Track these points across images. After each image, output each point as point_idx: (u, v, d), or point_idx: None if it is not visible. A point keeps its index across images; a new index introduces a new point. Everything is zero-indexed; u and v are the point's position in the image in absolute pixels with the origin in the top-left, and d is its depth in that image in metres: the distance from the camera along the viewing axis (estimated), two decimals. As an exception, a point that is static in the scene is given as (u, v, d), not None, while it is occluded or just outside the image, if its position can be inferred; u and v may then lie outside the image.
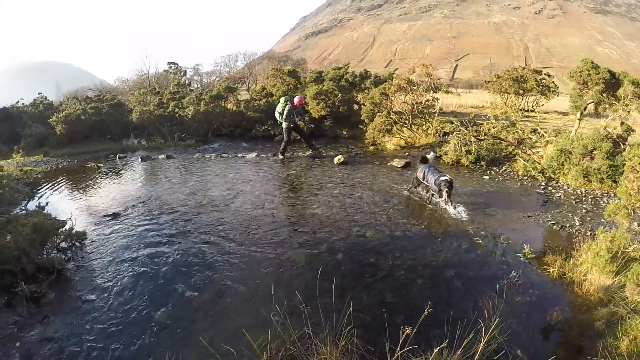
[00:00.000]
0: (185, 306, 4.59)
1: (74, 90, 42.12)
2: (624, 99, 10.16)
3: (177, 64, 30.79)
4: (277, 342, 3.65)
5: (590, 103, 11.32)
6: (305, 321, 3.59)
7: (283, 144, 12.21)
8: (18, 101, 20.65)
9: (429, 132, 13.19)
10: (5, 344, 4.04)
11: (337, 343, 3.37)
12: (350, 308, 3.65)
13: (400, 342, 3.05)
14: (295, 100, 11.83)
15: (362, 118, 14.46)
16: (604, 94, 10.71)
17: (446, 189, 6.95)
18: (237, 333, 3.91)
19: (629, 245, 4.89)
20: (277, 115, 12.08)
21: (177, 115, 17.81)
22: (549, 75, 17.72)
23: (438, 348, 3.09)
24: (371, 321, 4.21)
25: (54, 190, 9.93)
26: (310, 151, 12.37)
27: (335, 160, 11.18)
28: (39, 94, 21.97)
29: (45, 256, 5.65)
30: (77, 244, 6.21)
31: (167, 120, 17.71)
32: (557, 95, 17.74)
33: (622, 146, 8.73)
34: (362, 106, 14.88)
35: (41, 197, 9.25)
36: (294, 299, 4.31)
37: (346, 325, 3.46)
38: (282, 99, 12.10)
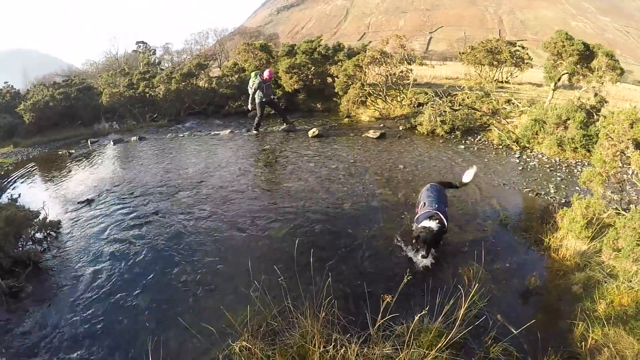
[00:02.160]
0: (164, 288, 4.51)
1: (42, 77, 40.58)
2: (597, 70, 10.22)
3: (146, 43, 29.72)
4: (257, 317, 3.57)
5: (564, 74, 11.35)
6: (285, 295, 3.52)
7: (257, 119, 11.97)
8: (-17, 92, 19.75)
9: (403, 103, 13.09)
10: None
11: (318, 315, 3.30)
12: (330, 280, 3.58)
13: (381, 310, 2.99)
14: (265, 73, 11.56)
15: (336, 90, 14.25)
16: (578, 66, 10.74)
17: (424, 244, 4.41)
18: (218, 312, 3.84)
19: (604, 212, 4.93)
20: (250, 92, 11.81)
21: (148, 95, 17.23)
22: (523, 47, 17.78)
23: (419, 315, 3.05)
24: (351, 292, 4.19)
25: (26, 181, 9.68)
26: (285, 125, 12.16)
27: (310, 133, 11.02)
28: (5, 83, 21.04)
29: (20, 249, 5.50)
30: (52, 233, 6.06)
31: (138, 101, 17.17)
32: (531, 67, 17.80)
33: (595, 117, 8.82)
34: (335, 79, 14.65)
35: (13, 189, 9.01)
36: (272, 274, 4.22)
37: (326, 297, 3.39)
38: (252, 74, 11.87)
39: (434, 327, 3.25)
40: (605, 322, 3.46)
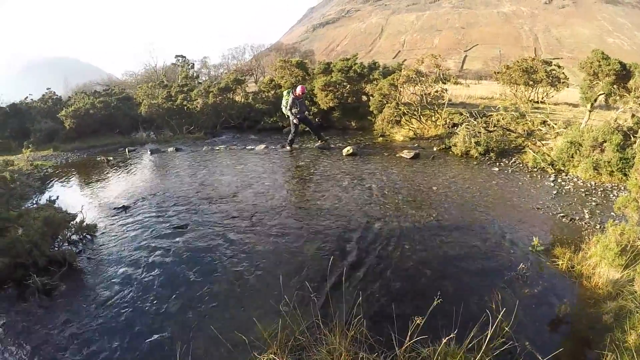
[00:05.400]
0: (195, 297, 4.60)
1: (82, 84, 42.21)
2: (635, 90, 10.04)
3: (185, 57, 30.59)
4: (286, 332, 3.61)
5: (600, 95, 11.19)
6: (314, 311, 3.61)
7: (291, 135, 12.23)
8: (27, 97, 20.69)
9: (437, 123, 13.13)
10: (18, 336, 4.09)
11: (346, 333, 3.37)
12: (360, 298, 3.67)
13: (410, 332, 3.07)
14: (298, 89, 11.79)
15: (370, 109, 14.42)
16: (615, 86, 10.57)
17: None
18: (247, 323, 3.92)
19: (639, 239, 4.87)
20: (284, 110, 12.13)
21: (185, 108, 17.80)
22: (559, 66, 17.49)
23: (446, 339, 3.08)
24: (380, 311, 4.22)
25: (64, 184, 10.06)
26: (319, 142, 12.37)
27: (344, 151, 11.19)
28: (48, 89, 22.00)
29: (56, 249, 5.70)
30: (87, 236, 6.25)
31: (176, 113, 17.71)
32: (567, 87, 17.49)
33: (632, 139, 8.67)
34: (370, 97, 14.80)
35: (51, 191, 9.36)
36: (303, 289, 4.34)
37: (355, 315, 3.48)
38: (284, 93, 12.19)
39: (461, 351, 3.30)
40: (635, 354, 3.43)
